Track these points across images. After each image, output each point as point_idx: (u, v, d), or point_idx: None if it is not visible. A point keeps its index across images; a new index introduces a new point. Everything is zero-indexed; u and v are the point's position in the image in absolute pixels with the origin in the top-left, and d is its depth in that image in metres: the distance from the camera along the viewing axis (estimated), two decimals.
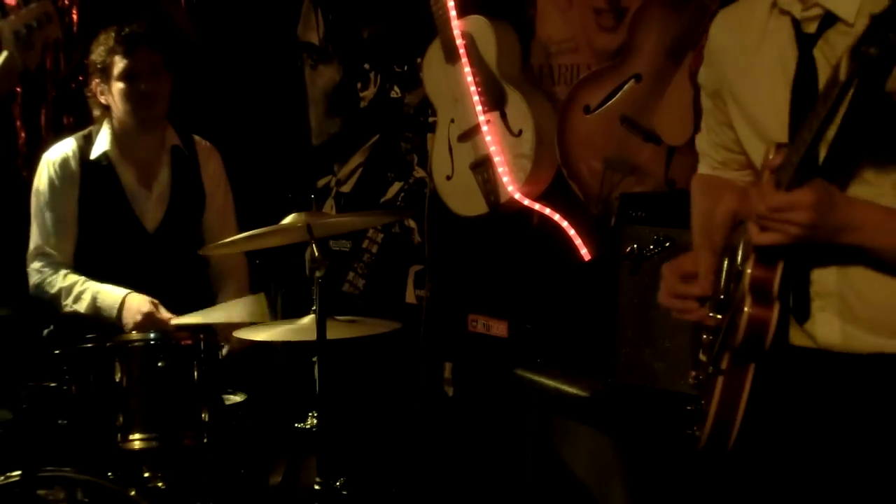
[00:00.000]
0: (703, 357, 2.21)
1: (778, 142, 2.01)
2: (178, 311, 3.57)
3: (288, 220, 3.22)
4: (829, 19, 2.03)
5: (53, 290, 3.68)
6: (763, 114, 2.16)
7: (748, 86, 2.19)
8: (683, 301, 2.19)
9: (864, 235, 1.93)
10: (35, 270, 3.73)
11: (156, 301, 3.59)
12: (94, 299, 3.62)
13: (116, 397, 3.16)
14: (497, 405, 4.10)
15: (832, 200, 1.89)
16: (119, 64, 3.67)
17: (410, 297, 4.57)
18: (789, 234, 1.90)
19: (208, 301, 3.81)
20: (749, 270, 1.99)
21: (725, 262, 2.17)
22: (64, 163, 3.75)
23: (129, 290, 3.61)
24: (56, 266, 3.72)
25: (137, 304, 3.58)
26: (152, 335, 3.23)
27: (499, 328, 4.17)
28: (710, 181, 2.43)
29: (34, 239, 3.76)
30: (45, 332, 3.65)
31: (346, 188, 4.83)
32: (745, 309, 1.96)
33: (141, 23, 3.76)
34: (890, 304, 2.03)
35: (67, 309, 3.65)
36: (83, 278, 3.67)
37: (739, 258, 2.08)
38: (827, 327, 2.08)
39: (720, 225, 2.17)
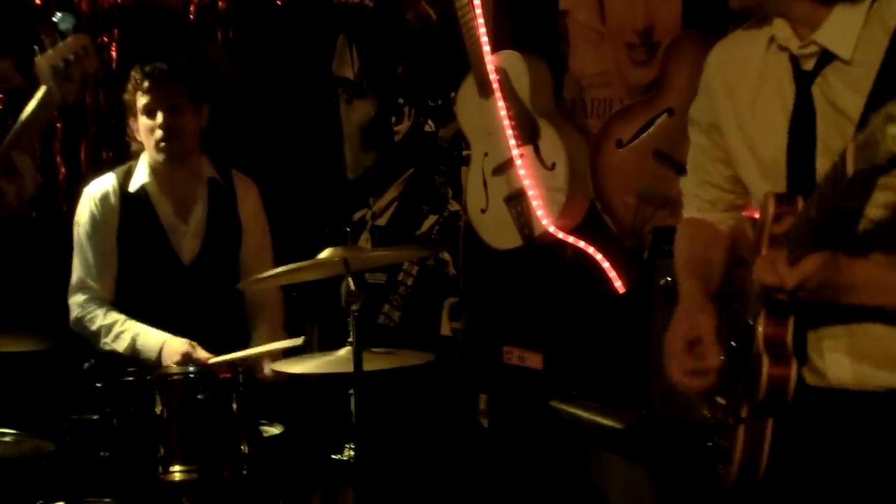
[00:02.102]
0: (720, 400, 2.23)
1: (775, 191, 2.05)
2: (214, 343, 3.66)
3: (325, 254, 3.28)
4: (826, 56, 2.04)
5: (94, 327, 3.76)
6: (763, 146, 2.16)
7: (750, 119, 2.19)
8: (700, 378, 2.19)
9: (866, 295, 1.95)
10: (77, 304, 3.81)
11: (194, 343, 3.66)
12: (133, 340, 3.70)
13: (157, 430, 3.21)
14: (532, 437, 4.12)
15: (837, 265, 1.91)
16: (141, 100, 3.77)
17: (445, 329, 4.61)
18: (797, 298, 1.94)
19: (244, 334, 3.90)
20: (761, 329, 2.02)
21: (726, 307, 2.20)
22: (104, 197, 3.84)
23: (168, 335, 3.69)
24: (98, 301, 3.80)
25: (176, 347, 3.65)
26: (191, 369, 3.31)
27: (534, 360, 4.20)
28: (697, 226, 2.42)
29: (76, 272, 3.83)
30: (86, 365, 3.82)
31: (381, 221, 4.89)
32: (764, 370, 1.99)
33: (166, 59, 3.85)
34: None
35: (106, 347, 3.74)
36: (123, 317, 3.75)
37: (749, 311, 2.09)
38: (838, 367, 2.09)
39: (718, 270, 2.22)
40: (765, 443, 2.10)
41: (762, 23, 2.17)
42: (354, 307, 3.23)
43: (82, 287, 3.82)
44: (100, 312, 3.77)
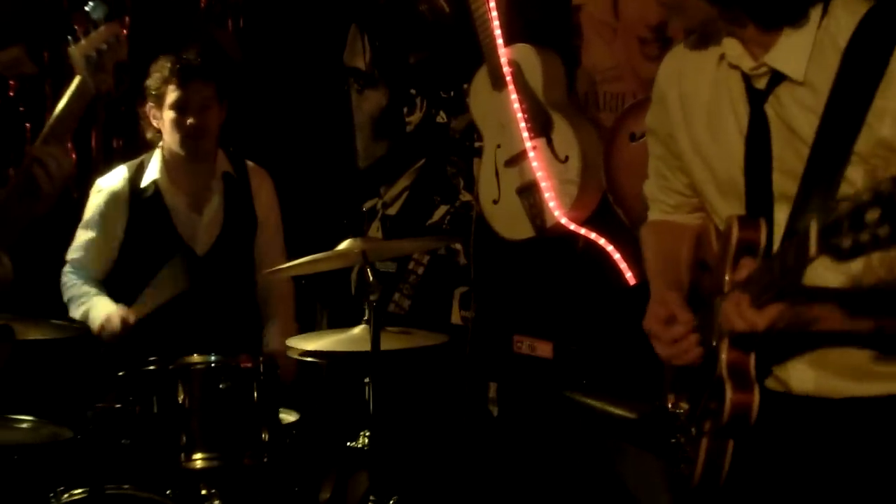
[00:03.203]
0: (682, 405, 2.28)
1: (738, 215, 2.06)
2: (227, 335, 3.73)
3: (344, 245, 3.35)
4: (777, 76, 2.04)
5: (66, 296, 3.85)
6: (719, 163, 2.16)
7: (705, 136, 2.18)
8: (681, 343, 2.19)
9: (831, 323, 1.99)
10: (65, 272, 3.89)
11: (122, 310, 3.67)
12: (87, 311, 3.75)
13: (179, 418, 3.27)
14: (542, 425, 4.18)
15: (801, 307, 1.95)
16: (172, 94, 3.77)
17: (456, 317, 4.65)
18: (766, 336, 1.97)
19: (257, 325, 3.97)
20: (724, 356, 2.04)
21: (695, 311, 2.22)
22: (114, 192, 3.88)
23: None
24: (82, 275, 3.85)
25: (103, 312, 3.68)
26: (213, 358, 3.32)
27: (544, 349, 4.24)
28: (663, 226, 2.43)
29: (74, 250, 3.88)
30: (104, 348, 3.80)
31: (392, 211, 4.92)
32: (728, 395, 2.02)
33: (197, 53, 3.85)
34: (857, 349, 2.05)
35: (72, 313, 3.80)
36: (94, 291, 3.80)
37: (712, 331, 2.11)
38: (800, 375, 2.12)
39: (685, 269, 2.26)
40: (727, 455, 2.13)
41: (711, 38, 2.16)
42: (373, 298, 3.31)
43: (74, 265, 3.88)
44: (77, 283, 3.83)
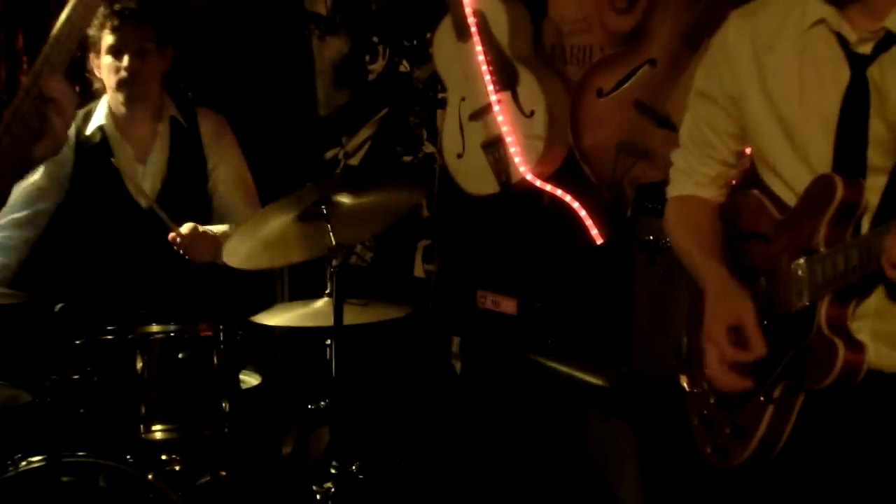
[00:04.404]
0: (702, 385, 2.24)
1: (835, 174, 2.05)
2: (180, 294, 3.68)
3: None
4: (888, 40, 2.04)
5: None
6: (804, 127, 2.14)
7: (787, 96, 2.17)
8: (737, 374, 2.16)
9: None
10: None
11: None
12: None
13: (138, 389, 3.20)
14: (505, 385, 4.16)
15: None
16: (107, 39, 3.70)
17: (419, 271, 4.61)
18: None
19: (214, 284, 3.83)
20: (825, 312, 2.04)
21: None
22: None
23: None
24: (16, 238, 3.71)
25: None
26: (172, 327, 3.25)
27: (508, 305, 4.20)
28: (695, 204, 2.41)
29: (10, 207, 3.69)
30: (57, 307, 3.76)
31: (354, 161, 4.84)
32: (840, 354, 2.01)
33: None
34: None
35: None
36: None
37: (790, 292, 2.10)
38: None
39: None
40: (789, 422, 2.13)
41: (793, 2, 2.16)
42: (336, 262, 3.23)
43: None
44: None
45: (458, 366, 4.50)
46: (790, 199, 2.18)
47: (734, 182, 2.43)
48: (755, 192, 2.29)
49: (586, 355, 3.64)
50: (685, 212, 2.42)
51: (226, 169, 3.93)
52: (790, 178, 2.19)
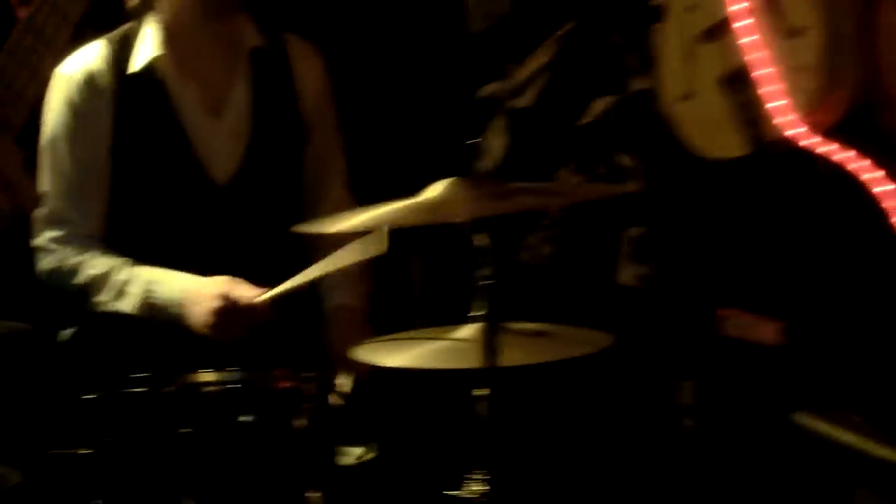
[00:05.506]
0: None
1: None
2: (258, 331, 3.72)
3: (436, 191, 3.23)
4: None
5: (79, 280, 3.84)
6: None
7: None
8: None
9: None
10: (46, 247, 3.89)
11: (235, 279, 3.71)
12: (146, 293, 3.78)
13: (177, 471, 3.22)
14: (762, 450, 4.18)
15: None
16: None
17: (626, 276, 4.64)
18: None
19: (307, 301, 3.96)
20: None
21: None
22: (90, 82, 3.88)
23: (195, 277, 3.75)
24: (80, 241, 3.87)
25: (209, 288, 3.70)
26: (233, 376, 3.29)
27: (766, 332, 4.19)
28: None
29: (46, 200, 3.88)
30: (65, 334, 3.95)
31: (523, 101, 4.87)
32: None
33: None
34: None
35: (103, 308, 3.83)
36: (121, 261, 3.83)
37: None
38: None
39: None
40: None
41: None
42: (485, 271, 3.22)
43: (56, 220, 3.88)
44: (86, 257, 3.85)
45: (690, 423, 4.50)
46: None
47: None
48: None
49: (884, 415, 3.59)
50: None
51: (327, 130, 4.11)
52: None
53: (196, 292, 3.72)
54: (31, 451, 3.36)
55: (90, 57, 3.90)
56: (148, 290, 3.78)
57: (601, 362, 3.41)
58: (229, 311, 3.65)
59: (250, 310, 3.65)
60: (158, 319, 3.75)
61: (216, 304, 3.66)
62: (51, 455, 3.26)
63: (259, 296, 3.65)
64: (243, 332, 3.68)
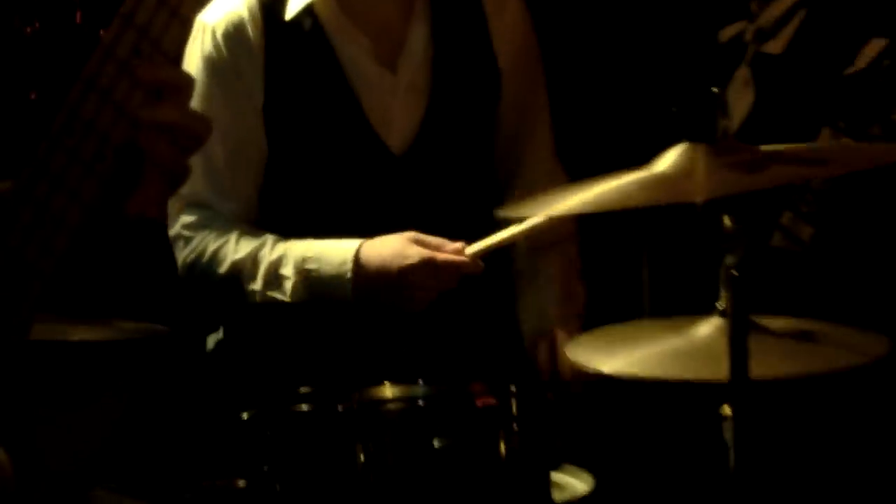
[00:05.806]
0: None
1: None
2: (445, 331, 3.88)
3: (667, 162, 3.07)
4: None
5: (223, 269, 3.85)
6: None
7: None
8: None
9: None
10: (181, 237, 3.92)
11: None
12: (304, 271, 3.77)
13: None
14: None
15: None
16: None
17: None
18: None
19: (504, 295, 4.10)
20: None
21: None
22: (236, 32, 3.90)
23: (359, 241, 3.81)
24: (220, 223, 3.91)
25: (392, 243, 3.73)
26: (422, 391, 3.28)
27: None
28: None
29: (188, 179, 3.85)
30: (212, 341, 4.06)
31: (773, 47, 4.72)
32: None
33: None
34: None
35: (257, 299, 3.83)
36: (272, 238, 3.85)
37: None
38: None
39: None
40: None
41: None
42: (731, 260, 3.03)
43: (193, 203, 3.90)
44: (229, 240, 3.86)
45: None
46: None
47: None
48: None
49: None
50: None
51: (529, 83, 4.10)
52: None
53: (376, 253, 3.74)
54: (178, 483, 3.38)
55: (237, 2, 3.92)
56: (306, 267, 3.78)
57: (876, 375, 3.39)
58: (429, 263, 3.67)
59: (452, 264, 3.68)
60: (325, 300, 3.77)
61: (413, 253, 3.69)
62: (204, 487, 3.31)
63: (459, 252, 3.71)
64: (436, 293, 3.72)
